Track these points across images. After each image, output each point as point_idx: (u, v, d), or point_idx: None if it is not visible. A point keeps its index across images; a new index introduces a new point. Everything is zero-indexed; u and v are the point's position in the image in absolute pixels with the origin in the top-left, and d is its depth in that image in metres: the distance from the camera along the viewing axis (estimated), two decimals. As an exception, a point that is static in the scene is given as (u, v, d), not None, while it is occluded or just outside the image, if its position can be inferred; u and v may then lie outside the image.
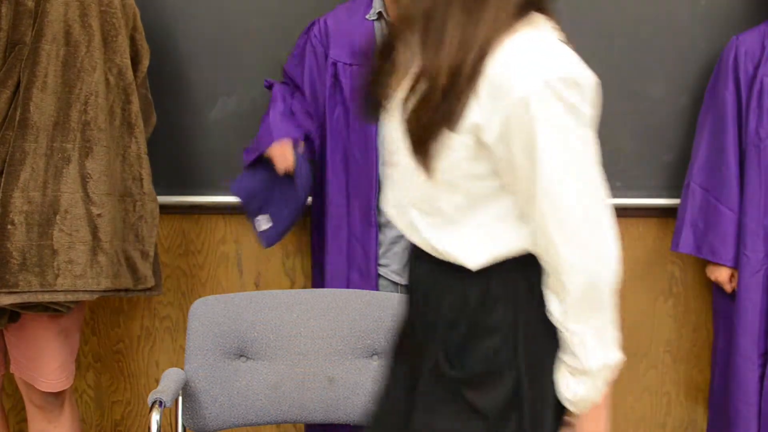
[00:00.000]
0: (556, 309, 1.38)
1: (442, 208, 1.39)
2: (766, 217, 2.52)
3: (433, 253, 1.42)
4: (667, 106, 2.74)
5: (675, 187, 2.74)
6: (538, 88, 1.30)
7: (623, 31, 2.71)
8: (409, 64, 1.36)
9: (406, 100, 1.35)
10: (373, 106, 1.47)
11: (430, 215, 1.40)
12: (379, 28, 2.41)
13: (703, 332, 2.88)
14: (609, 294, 1.37)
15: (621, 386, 2.91)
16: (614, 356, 1.40)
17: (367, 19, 2.42)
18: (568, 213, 1.32)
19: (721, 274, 2.61)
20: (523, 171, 1.32)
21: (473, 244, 1.39)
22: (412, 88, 1.34)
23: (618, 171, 2.77)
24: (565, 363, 1.40)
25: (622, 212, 2.77)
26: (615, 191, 2.77)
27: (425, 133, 1.33)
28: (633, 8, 2.70)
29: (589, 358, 1.38)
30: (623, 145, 2.76)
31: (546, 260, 1.36)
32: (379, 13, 2.41)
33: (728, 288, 2.61)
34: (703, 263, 2.70)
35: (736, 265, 2.56)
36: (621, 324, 2.93)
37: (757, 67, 2.51)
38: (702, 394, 2.90)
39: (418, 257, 1.48)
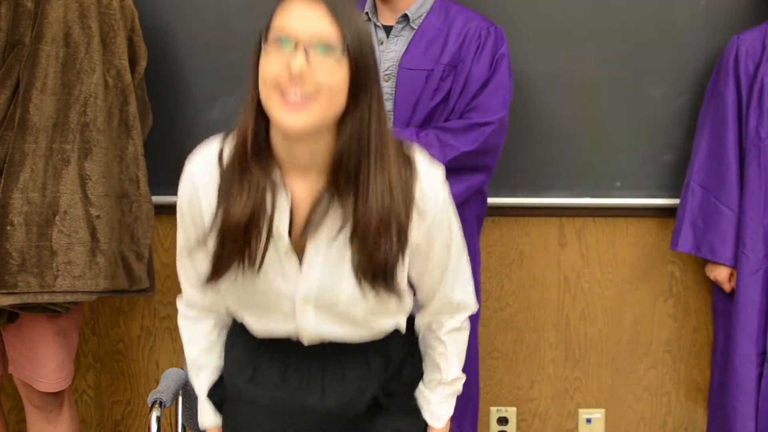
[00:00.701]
0: (439, 336, 1.79)
1: (390, 307, 1.68)
2: (766, 216, 2.52)
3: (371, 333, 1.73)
4: (667, 106, 2.74)
5: (675, 187, 2.74)
6: (444, 204, 1.66)
7: (623, 31, 2.71)
8: (335, 216, 1.58)
9: (352, 256, 1.59)
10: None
11: (378, 314, 1.69)
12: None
13: (703, 332, 2.88)
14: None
15: (621, 386, 2.91)
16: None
17: None
18: (464, 274, 1.77)
19: (721, 274, 2.61)
20: (438, 258, 1.69)
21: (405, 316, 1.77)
22: (352, 237, 1.56)
23: (618, 171, 2.77)
24: (434, 380, 1.80)
25: (622, 212, 2.81)
26: (615, 191, 2.78)
27: (388, 267, 1.59)
28: (633, 8, 2.70)
29: (452, 371, 1.81)
30: (623, 145, 2.76)
31: (438, 306, 1.76)
32: (366, 14, 2.41)
33: (727, 287, 2.61)
34: (703, 263, 2.70)
35: (736, 265, 2.56)
36: (621, 324, 2.95)
37: (757, 67, 2.51)
38: (702, 394, 2.90)
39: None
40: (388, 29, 2.37)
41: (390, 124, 1.66)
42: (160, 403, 2.04)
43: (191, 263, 1.71)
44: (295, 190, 1.59)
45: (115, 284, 2.34)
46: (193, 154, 1.68)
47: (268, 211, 1.56)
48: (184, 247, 1.72)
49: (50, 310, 2.30)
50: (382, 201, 1.53)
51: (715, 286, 2.69)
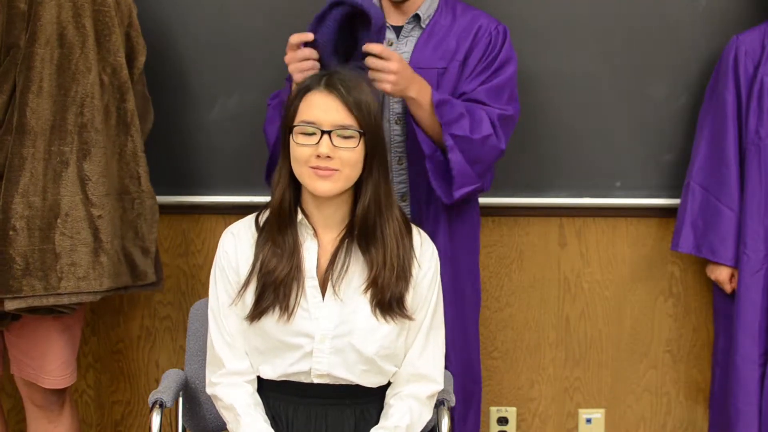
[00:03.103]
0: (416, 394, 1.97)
1: (395, 349, 1.96)
2: (767, 216, 2.52)
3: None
4: (667, 106, 2.74)
5: (675, 187, 2.74)
6: (436, 266, 2.01)
7: (624, 31, 2.71)
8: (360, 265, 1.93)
9: (367, 289, 1.92)
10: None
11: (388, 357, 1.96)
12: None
13: (703, 332, 2.88)
14: None
15: (621, 386, 2.91)
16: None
17: None
18: (435, 347, 2.01)
19: (721, 274, 2.61)
20: (416, 318, 1.96)
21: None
22: (372, 278, 1.91)
23: (618, 171, 2.77)
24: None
25: (622, 212, 2.81)
26: (615, 191, 2.78)
27: (399, 297, 1.92)
28: (633, 8, 2.70)
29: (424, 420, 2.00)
30: (623, 145, 2.76)
31: (404, 374, 1.96)
32: None
33: (728, 288, 2.61)
34: (703, 263, 2.70)
35: (736, 265, 2.56)
36: (621, 324, 2.95)
37: (757, 67, 2.51)
38: (702, 394, 2.90)
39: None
40: (397, 30, 2.36)
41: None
42: (161, 403, 2.04)
43: (226, 321, 1.96)
44: (322, 238, 1.95)
45: (118, 282, 2.34)
46: (230, 225, 2.03)
47: (302, 258, 1.92)
48: (219, 307, 1.98)
49: (57, 312, 2.30)
50: (395, 245, 1.91)
51: (715, 287, 2.69)
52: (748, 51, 2.53)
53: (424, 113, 2.19)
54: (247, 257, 1.95)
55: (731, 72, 2.55)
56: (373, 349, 1.91)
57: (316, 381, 1.93)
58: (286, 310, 1.90)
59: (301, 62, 2.07)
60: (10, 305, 2.21)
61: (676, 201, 2.72)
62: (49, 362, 2.37)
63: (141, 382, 2.93)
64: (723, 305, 2.66)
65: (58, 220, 2.24)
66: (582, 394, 2.92)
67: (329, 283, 1.92)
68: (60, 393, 2.45)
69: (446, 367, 2.30)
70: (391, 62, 2.09)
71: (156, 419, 2.01)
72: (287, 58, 2.10)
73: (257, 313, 1.91)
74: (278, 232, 1.93)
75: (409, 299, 1.94)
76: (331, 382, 1.94)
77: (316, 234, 1.95)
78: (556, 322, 2.88)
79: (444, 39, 2.33)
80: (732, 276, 2.60)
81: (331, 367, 1.92)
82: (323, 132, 1.84)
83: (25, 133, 2.22)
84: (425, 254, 1.99)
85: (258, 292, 1.91)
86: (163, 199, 2.55)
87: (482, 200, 2.54)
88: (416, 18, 2.34)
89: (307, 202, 1.94)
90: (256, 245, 1.95)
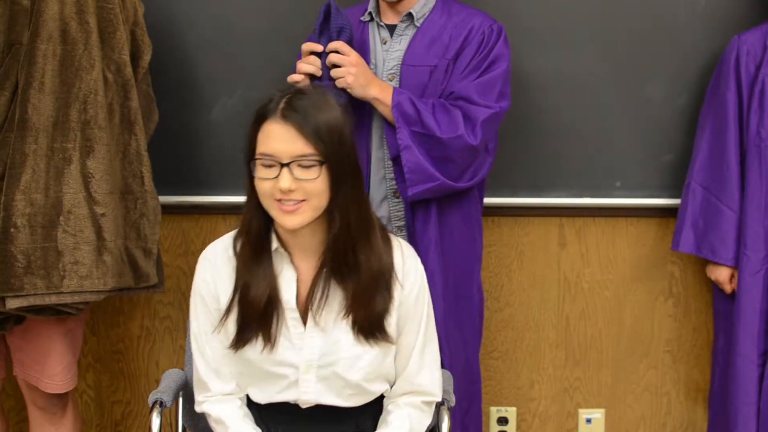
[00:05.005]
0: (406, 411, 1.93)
1: (383, 370, 1.90)
2: (767, 217, 2.52)
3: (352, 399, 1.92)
4: (667, 106, 2.74)
5: (675, 187, 2.75)
6: (422, 284, 1.93)
7: (623, 31, 2.71)
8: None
9: (346, 316, 1.84)
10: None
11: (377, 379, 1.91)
12: (371, 29, 2.40)
13: (703, 332, 2.88)
14: None
15: (621, 386, 2.91)
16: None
17: (361, 21, 2.41)
18: (431, 360, 1.95)
19: (722, 274, 2.61)
20: (408, 336, 1.90)
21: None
22: (351, 303, 1.84)
23: (618, 171, 2.77)
24: None
25: (622, 212, 2.81)
26: (615, 191, 2.78)
27: (380, 320, 1.85)
28: (633, 8, 2.70)
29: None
30: (623, 145, 2.76)
31: (401, 387, 1.92)
32: (370, 14, 2.40)
33: (728, 288, 2.61)
34: (703, 263, 2.70)
35: (737, 265, 2.56)
36: (621, 324, 2.94)
37: (758, 67, 2.51)
38: (702, 394, 2.90)
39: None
40: (391, 28, 2.37)
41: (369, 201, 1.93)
42: (161, 403, 2.03)
43: (208, 347, 1.90)
44: (300, 265, 1.86)
45: (122, 282, 2.33)
46: (207, 247, 1.94)
47: (280, 288, 1.84)
48: (201, 333, 1.92)
49: (64, 313, 2.28)
50: (371, 270, 1.82)
51: (715, 287, 2.69)
52: (749, 51, 2.53)
53: (390, 112, 2.26)
54: (226, 285, 1.87)
55: (732, 72, 2.55)
56: (359, 375, 1.86)
57: (304, 407, 1.89)
58: (269, 340, 1.84)
59: (302, 75, 2.26)
60: (12, 304, 2.19)
61: (676, 201, 2.72)
62: (51, 366, 2.36)
63: (141, 382, 2.93)
64: (723, 305, 2.66)
65: (61, 218, 2.23)
66: (582, 394, 2.92)
67: (310, 314, 1.85)
68: (62, 395, 2.44)
69: (445, 367, 2.30)
70: (350, 57, 2.21)
71: (156, 419, 2.01)
72: (298, 64, 2.28)
73: (240, 342, 1.85)
74: (253, 261, 1.84)
75: (393, 322, 1.87)
76: (322, 404, 1.90)
77: (293, 260, 1.86)
78: (556, 322, 2.89)
79: (437, 37, 2.33)
80: (732, 276, 2.60)
81: (319, 395, 1.88)
82: (282, 165, 1.73)
83: (27, 130, 2.20)
84: (408, 274, 1.90)
85: (239, 323, 1.85)
86: (163, 198, 2.55)
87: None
88: (410, 17, 2.35)
89: (282, 232, 1.86)
90: (236, 272, 1.87)
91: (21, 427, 2.88)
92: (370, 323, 1.84)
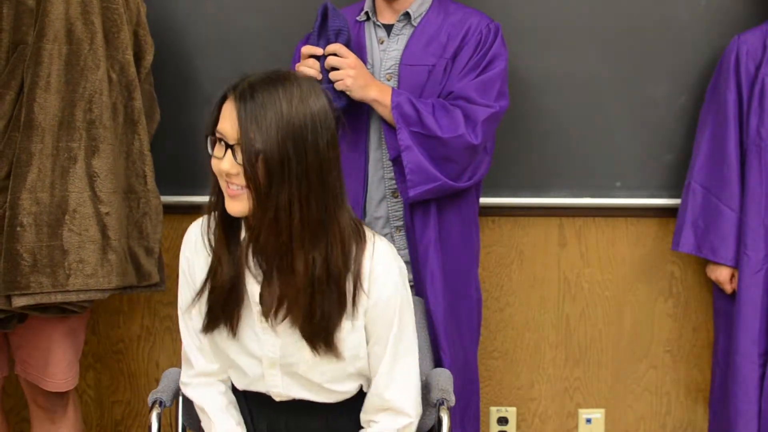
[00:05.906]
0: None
1: (348, 372, 1.82)
2: (767, 216, 2.52)
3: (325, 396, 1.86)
4: (667, 106, 2.74)
5: (675, 187, 2.75)
6: (394, 294, 1.78)
7: (624, 31, 2.71)
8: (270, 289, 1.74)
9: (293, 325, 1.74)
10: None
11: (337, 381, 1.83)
12: (368, 29, 2.40)
13: (703, 332, 2.88)
14: None
15: (621, 386, 2.91)
16: None
17: (357, 21, 2.41)
18: (405, 376, 1.83)
19: (722, 274, 2.61)
20: (375, 348, 1.79)
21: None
22: (296, 319, 1.73)
23: (618, 171, 2.77)
24: None
25: (622, 212, 2.81)
26: (615, 191, 2.78)
27: (327, 330, 1.74)
28: (633, 8, 2.70)
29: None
30: (623, 145, 2.76)
31: (371, 402, 1.83)
32: (366, 14, 2.40)
33: (728, 288, 2.61)
34: (703, 263, 2.70)
35: (737, 265, 2.56)
36: (621, 324, 2.94)
37: (758, 67, 2.51)
38: (702, 394, 2.90)
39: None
40: (388, 28, 2.37)
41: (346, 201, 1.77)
42: (161, 402, 2.03)
43: (191, 322, 1.86)
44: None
45: (125, 281, 2.34)
46: (193, 223, 1.86)
47: (247, 279, 1.75)
48: (184, 307, 1.88)
49: (69, 311, 2.29)
50: (311, 276, 1.68)
51: (715, 287, 2.69)
52: (749, 51, 2.53)
53: (390, 113, 2.26)
54: (202, 265, 1.81)
55: (732, 72, 2.55)
56: (321, 378, 1.81)
57: (278, 400, 1.85)
58: (231, 329, 1.79)
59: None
60: (18, 302, 2.20)
61: (676, 201, 2.72)
62: (53, 365, 2.37)
63: (141, 382, 2.93)
64: (723, 305, 2.66)
65: (66, 217, 2.24)
66: (582, 394, 2.92)
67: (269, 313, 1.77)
68: (63, 395, 2.45)
69: (444, 367, 2.30)
70: (348, 59, 2.22)
71: (155, 419, 2.01)
72: (297, 67, 2.29)
73: (209, 326, 1.80)
74: (222, 246, 1.75)
75: (351, 334, 1.77)
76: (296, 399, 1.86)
77: None
78: (556, 322, 2.89)
79: (435, 36, 2.33)
80: (732, 276, 2.60)
81: (287, 388, 1.83)
82: (227, 146, 1.64)
83: (33, 129, 2.21)
84: (375, 282, 1.75)
85: (207, 307, 1.79)
86: (164, 199, 2.55)
87: (482, 200, 2.54)
88: (407, 16, 2.35)
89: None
90: (212, 254, 1.79)
91: (21, 427, 2.88)
92: (311, 332, 1.73)
